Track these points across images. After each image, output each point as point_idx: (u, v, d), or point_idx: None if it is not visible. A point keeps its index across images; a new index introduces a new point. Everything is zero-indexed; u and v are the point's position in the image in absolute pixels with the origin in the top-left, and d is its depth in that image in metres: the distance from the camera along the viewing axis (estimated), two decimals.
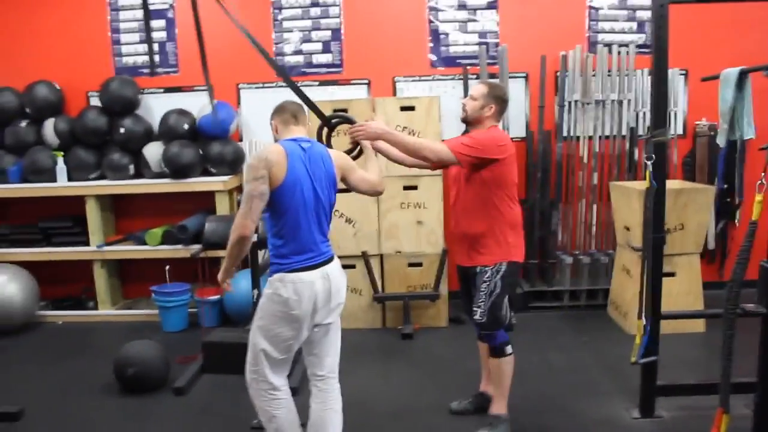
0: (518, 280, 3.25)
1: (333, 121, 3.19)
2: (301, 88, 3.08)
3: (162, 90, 5.41)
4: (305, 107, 2.90)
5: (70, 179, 5.12)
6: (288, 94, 5.32)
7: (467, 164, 2.99)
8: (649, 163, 2.96)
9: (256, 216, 2.51)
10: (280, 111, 2.81)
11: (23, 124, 5.21)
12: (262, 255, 4.94)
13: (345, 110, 4.13)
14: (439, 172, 4.53)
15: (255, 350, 2.65)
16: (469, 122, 3.15)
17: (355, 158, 3.05)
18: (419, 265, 4.84)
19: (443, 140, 3.24)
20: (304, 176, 2.57)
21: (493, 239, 3.06)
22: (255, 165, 2.52)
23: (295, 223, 2.57)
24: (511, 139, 5.01)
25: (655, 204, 3.02)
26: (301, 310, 2.56)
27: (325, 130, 3.20)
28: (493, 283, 3.03)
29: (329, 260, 2.70)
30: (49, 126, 5.13)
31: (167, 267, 4.94)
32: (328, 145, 3.17)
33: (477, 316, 3.07)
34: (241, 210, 2.52)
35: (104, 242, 5.17)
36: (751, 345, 2.69)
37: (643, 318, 3.07)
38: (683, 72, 5.22)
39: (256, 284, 4.20)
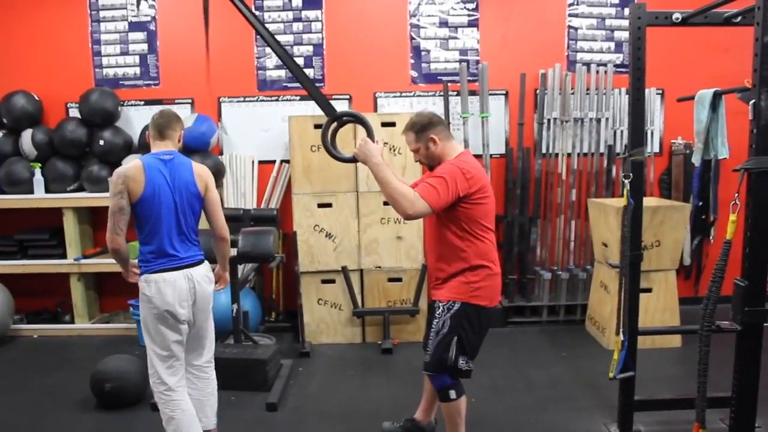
0: (480, 327, 2.86)
1: (343, 118, 3.16)
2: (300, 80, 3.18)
3: (142, 102, 5.40)
4: (176, 122, 3.03)
5: (47, 191, 5.07)
6: (268, 108, 5.38)
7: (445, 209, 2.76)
8: (626, 181, 3.01)
9: (121, 229, 2.83)
10: (150, 125, 3.02)
11: (0, 134, 5.16)
12: (241, 270, 4.94)
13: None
14: None
15: (147, 352, 2.93)
16: (436, 165, 2.88)
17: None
18: (399, 280, 4.86)
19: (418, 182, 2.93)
20: (164, 187, 2.85)
21: (456, 276, 2.82)
22: (114, 181, 2.81)
23: (156, 231, 2.85)
24: (491, 155, 5.17)
25: (633, 221, 3.07)
26: (165, 306, 2.83)
27: (333, 125, 3.13)
28: (441, 320, 2.81)
29: (194, 264, 2.96)
30: (26, 137, 5.08)
31: None
32: (332, 142, 3.14)
33: (425, 354, 2.92)
34: (108, 226, 2.82)
35: (82, 255, 5.12)
36: (727, 360, 2.74)
37: (621, 334, 3.12)
38: (660, 92, 5.33)
39: (235, 299, 4.20)
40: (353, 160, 2.96)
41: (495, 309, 2.96)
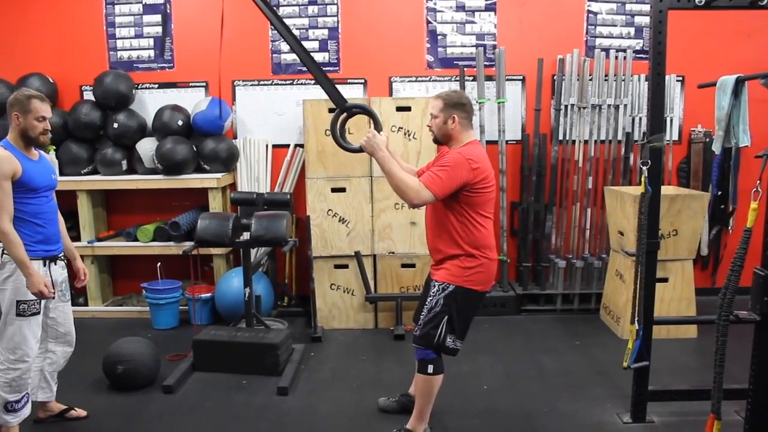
0: (470, 309, 3.01)
1: (352, 109, 3.33)
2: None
3: (156, 85, 5.39)
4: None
5: (61, 174, 5.08)
6: (283, 92, 5.36)
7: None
8: (644, 168, 2.97)
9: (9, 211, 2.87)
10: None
11: None
12: (254, 254, 4.95)
13: None
14: None
15: None
16: (441, 141, 3.05)
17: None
18: (412, 266, 4.84)
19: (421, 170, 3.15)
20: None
21: (452, 259, 2.95)
22: None
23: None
24: (506, 142, 5.13)
25: (650, 209, 3.03)
26: None
27: (342, 116, 3.33)
28: (435, 299, 2.94)
29: None
30: None
31: (159, 264, 4.93)
32: (341, 132, 3.33)
33: (416, 327, 3.07)
34: None
35: (95, 238, 5.16)
36: (744, 351, 2.71)
37: (636, 323, 3.09)
38: (680, 78, 5.25)
39: (248, 283, 4.20)
40: (360, 150, 3.08)
41: (488, 293, 3.08)
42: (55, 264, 3.15)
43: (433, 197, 2.80)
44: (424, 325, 2.98)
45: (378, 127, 3.15)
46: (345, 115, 3.35)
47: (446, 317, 2.94)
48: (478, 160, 2.86)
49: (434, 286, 2.98)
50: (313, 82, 5.31)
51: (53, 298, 3.05)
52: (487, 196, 2.92)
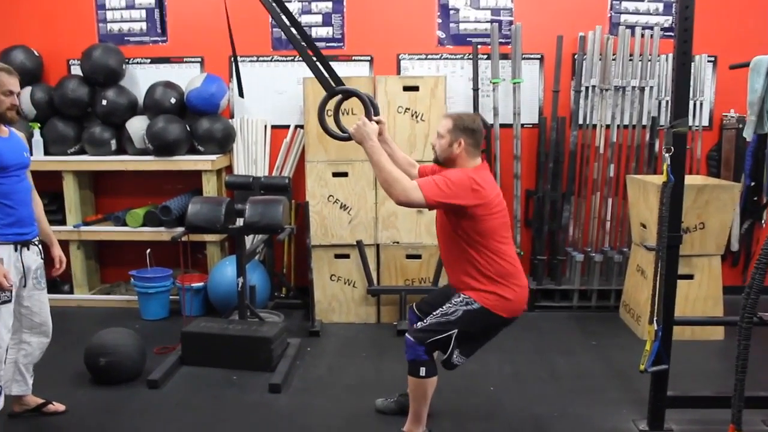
0: (489, 332, 3.05)
1: (341, 94, 3.23)
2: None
3: (149, 60, 5.35)
4: None
5: (46, 153, 5.08)
6: (283, 69, 5.30)
7: (437, 208, 2.94)
8: (667, 155, 2.91)
9: None
10: None
11: None
12: (249, 241, 4.92)
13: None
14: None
15: None
16: (443, 163, 3.04)
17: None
18: (418, 257, 4.80)
19: (420, 172, 3.23)
20: None
21: (479, 288, 2.94)
22: None
23: None
24: (522, 125, 5.06)
25: (673, 200, 2.96)
26: None
27: (334, 100, 3.25)
28: (455, 308, 2.94)
29: None
30: (25, 95, 5.04)
31: (148, 250, 4.91)
32: (336, 116, 3.27)
33: (418, 320, 3.11)
34: None
35: (82, 222, 5.14)
36: None
37: (655, 323, 3.03)
38: (712, 59, 5.14)
39: (241, 272, 4.18)
40: (349, 138, 3.07)
41: (514, 320, 3.06)
42: (28, 249, 3.11)
43: (422, 201, 2.78)
44: (429, 324, 2.96)
45: (368, 113, 3.08)
46: (339, 97, 3.26)
47: (456, 331, 2.92)
48: (483, 183, 2.87)
49: (459, 296, 2.98)
50: (315, 59, 5.24)
51: (12, 289, 2.97)
52: (495, 222, 2.92)
